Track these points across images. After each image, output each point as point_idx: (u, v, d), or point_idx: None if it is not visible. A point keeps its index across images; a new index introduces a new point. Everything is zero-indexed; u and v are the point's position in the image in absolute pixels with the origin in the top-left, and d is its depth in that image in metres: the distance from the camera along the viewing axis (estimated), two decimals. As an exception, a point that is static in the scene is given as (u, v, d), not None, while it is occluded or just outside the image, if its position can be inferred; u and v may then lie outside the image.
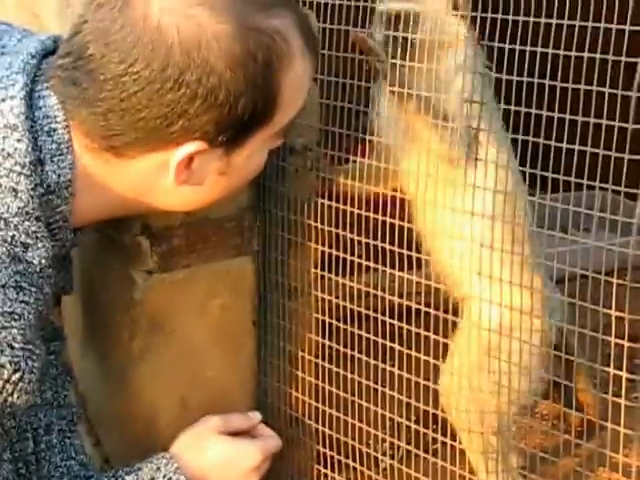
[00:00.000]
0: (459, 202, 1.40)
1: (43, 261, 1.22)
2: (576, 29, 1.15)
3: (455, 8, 1.44)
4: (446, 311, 1.44)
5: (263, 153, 1.35)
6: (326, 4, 1.45)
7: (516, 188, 1.44)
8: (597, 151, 1.15)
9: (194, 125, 1.22)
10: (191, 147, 1.24)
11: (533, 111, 1.21)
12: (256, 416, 1.58)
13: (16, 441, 1.38)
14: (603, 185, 1.16)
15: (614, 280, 1.18)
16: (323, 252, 1.51)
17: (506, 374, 1.39)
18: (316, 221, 1.49)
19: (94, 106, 1.22)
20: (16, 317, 1.18)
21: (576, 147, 1.17)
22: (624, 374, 1.19)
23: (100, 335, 1.63)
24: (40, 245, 1.22)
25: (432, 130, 1.40)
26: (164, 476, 1.42)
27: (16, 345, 1.17)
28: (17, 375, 1.18)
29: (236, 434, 1.54)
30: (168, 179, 1.28)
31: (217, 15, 1.19)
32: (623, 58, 1.11)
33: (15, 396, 1.18)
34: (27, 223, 1.20)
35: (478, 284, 1.43)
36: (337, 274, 1.50)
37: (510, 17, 1.21)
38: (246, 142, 1.28)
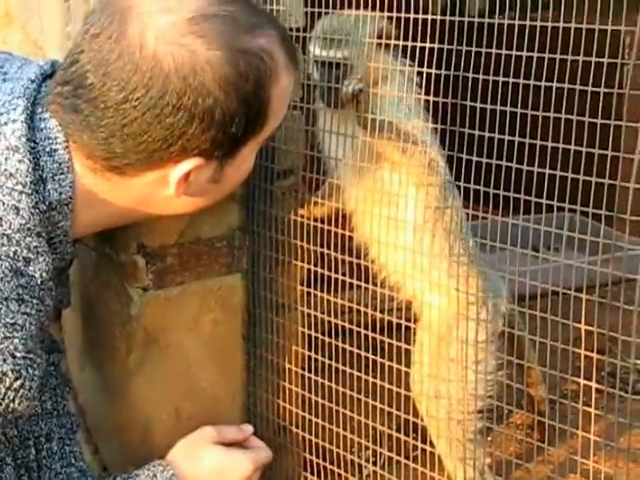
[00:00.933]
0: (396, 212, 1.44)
1: (44, 274, 1.23)
2: (545, 60, 1.17)
3: (380, 37, 1.43)
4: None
5: (252, 157, 1.36)
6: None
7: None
8: (566, 175, 1.17)
9: (192, 144, 1.23)
10: (189, 164, 1.25)
11: (506, 137, 1.22)
12: (248, 428, 1.58)
13: (18, 449, 1.38)
14: (572, 207, 1.17)
15: (583, 296, 1.19)
16: (309, 270, 1.52)
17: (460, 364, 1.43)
18: (302, 241, 1.49)
19: (96, 132, 1.23)
20: (18, 328, 1.18)
21: (547, 171, 1.18)
22: (593, 384, 1.19)
23: (98, 349, 1.62)
24: (41, 259, 1.22)
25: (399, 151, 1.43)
26: (160, 482, 1.42)
27: (18, 354, 1.18)
28: (18, 382, 1.18)
29: (229, 445, 1.53)
30: (168, 191, 1.29)
31: (208, 43, 1.20)
32: (589, 88, 1.13)
33: (17, 402, 1.18)
34: (29, 239, 1.21)
35: (418, 285, 1.49)
36: (322, 291, 1.50)
37: (483, 49, 1.22)
38: (239, 152, 1.29)
